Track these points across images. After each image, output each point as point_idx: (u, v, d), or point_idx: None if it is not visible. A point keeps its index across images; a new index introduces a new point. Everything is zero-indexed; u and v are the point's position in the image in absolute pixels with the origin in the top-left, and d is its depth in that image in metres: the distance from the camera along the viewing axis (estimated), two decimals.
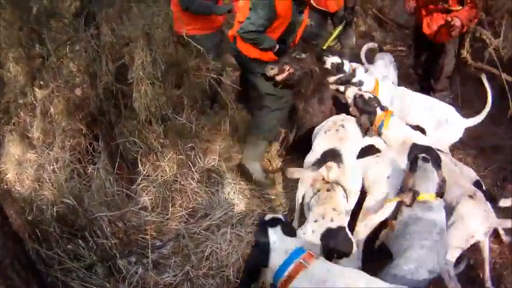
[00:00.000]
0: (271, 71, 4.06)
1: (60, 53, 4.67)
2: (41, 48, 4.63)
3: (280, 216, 2.70)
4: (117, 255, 3.50)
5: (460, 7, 4.66)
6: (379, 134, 3.97)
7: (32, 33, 4.65)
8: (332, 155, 3.44)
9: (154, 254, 3.59)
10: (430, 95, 4.89)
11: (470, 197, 3.33)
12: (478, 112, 4.24)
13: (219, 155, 4.64)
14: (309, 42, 4.41)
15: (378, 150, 3.95)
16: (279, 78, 4.09)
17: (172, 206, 4.04)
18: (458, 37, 4.88)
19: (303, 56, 4.21)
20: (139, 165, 4.25)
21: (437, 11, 4.81)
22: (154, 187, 4.13)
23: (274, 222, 2.58)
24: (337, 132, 3.71)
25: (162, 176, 4.20)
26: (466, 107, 4.74)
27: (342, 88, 4.41)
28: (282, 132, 4.77)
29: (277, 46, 4.12)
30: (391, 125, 3.94)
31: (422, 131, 4.23)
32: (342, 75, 4.60)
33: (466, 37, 4.92)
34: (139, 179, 4.18)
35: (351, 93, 4.15)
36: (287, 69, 4.09)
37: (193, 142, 4.57)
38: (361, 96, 4.08)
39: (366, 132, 3.94)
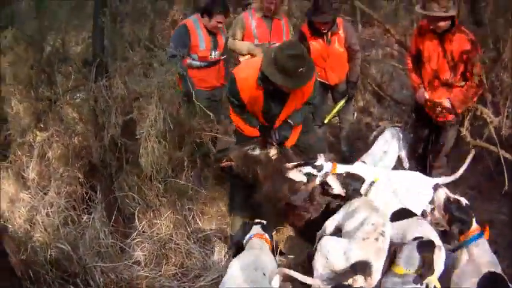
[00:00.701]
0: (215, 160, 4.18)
1: (67, 99, 4.72)
2: (48, 91, 4.68)
3: None
4: None
5: (464, 83, 4.71)
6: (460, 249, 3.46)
7: (42, 74, 4.71)
8: (363, 268, 3.12)
9: None
10: (427, 172, 4.93)
11: None
12: (472, 188, 4.38)
13: (216, 218, 4.64)
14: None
15: None
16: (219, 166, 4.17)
17: (165, 264, 3.97)
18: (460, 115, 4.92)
19: (255, 152, 4.05)
20: (136, 221, 4.23)
21: (440, 87, 4.83)
22: (148, 243, 4.08)
23: None
24: (375, 242, 3.28)
25: (157, 234, 4.17)
26: (462, 183, 4.84)
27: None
28: None
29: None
30: (482, 244, 3.43)
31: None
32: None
33: (466, 115, 4.93)
34: (135, 234, 4.13)
35: (441, 195, 3.68)
36: (225, 162, 4.05)
37: (191, 203, 4.56)
38: (457, 201, 3.58)
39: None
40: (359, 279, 3.07)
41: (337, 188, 3.86)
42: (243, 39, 5.38)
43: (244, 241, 3.53)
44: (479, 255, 3.35)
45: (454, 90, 4.75)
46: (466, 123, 4.92)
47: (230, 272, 3.11)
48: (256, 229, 3.60)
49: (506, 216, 5.01)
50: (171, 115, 4.42)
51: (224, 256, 4.15)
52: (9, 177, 4.50)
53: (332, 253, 3.24)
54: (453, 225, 3.47)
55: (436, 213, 3.69)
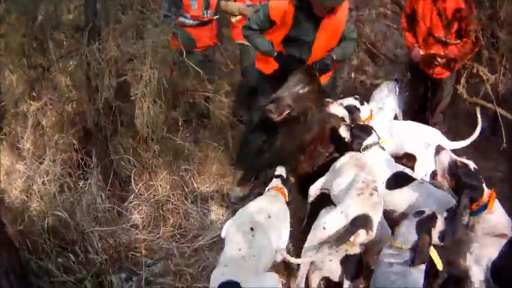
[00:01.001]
0: (271, 114, 3.70)
1: (60, 66, 4.67)
2: (41, 59, 4.63)
3: None
4: (108, 271, 3.44)
5: (459, 41, 4.73)
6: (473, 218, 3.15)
7: (35, 42, 4.65)
8: (363, 222, 3.07)
9: (145, 272, 3.52)
10: None
11: None
12: (469, 146, 4.35)
13: (213, 177, 4.66)
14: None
15: None
16: (276, 120, 3.76)
17: (163, 225, 4.00)
18: (456, 72, 4.96)
19: (306, 89, 3.78)
20: (133, 183, 4.22)
21: (435, 44, 4.85)
22: (146, 206, 4.11)
23: None
24: (371, 197, 3.23)
25: (154, 196, 4.19)
26: (457, 140, 4.84)
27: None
28: None
29: (275, 53, 3.95)
30: (497, 208, 3.14)
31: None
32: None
33: (462, 73, 4.96)
34: (132, 197, 4.15)
35: (445, 158, 3.36)
36: (286, 112, 3.70)
37: (187, 163, 4.58)
38: (465, 165, 3.27)
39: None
40: (361, 234, 3.02)
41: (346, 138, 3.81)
42: (234, 0, 5.28)
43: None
44: (498, 223, 3.10)
45: (449, 48, 4.76)
46: (462, 80, 4.92)
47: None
48: (275, 182, 3.60)
49: (504, 173, 5.07)
50: (165, 75, 4.40)
51: (222, 215, 4.19)
52: (5, 149, 4.52)
53: (329, 221, 3.18)
54: (463, 192, 3.10)
55: (439, 177, 3.36)
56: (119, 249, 3.68)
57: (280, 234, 3.21)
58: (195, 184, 4.47)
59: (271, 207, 3.26)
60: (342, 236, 3.02)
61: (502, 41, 4.72)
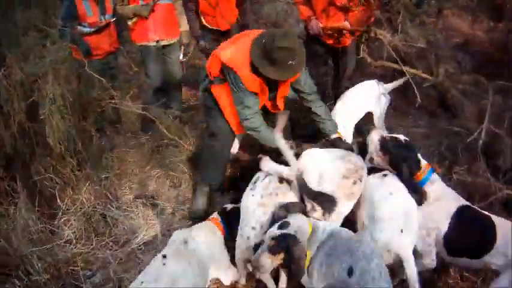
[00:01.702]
0: None
1: None
2: None
3: None
4: None
5: (359, 7, 4.99)
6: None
7: None
8: (328, 204, 3.22)
9: (87, 285, 3.82)
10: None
11: None
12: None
13: (133, 182, 4.98)
14: None
15: None
16: None
17: (95, 236, 4.28)
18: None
19: None
20: (58, 200, 4.46)
21: (337, 13, 5.03)
22: (75, 220, 4.35)
23: None
24: (352, 186, 3.33)
25: (81, 208, 4.45)
26: None
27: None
28: None
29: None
30: (437, 180, 3.42)
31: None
32: None
33: (361, 38, 5.20)
34: (60, 214, 4.39)
35: (375, 136, 3.60)
36: None
37: (106, 172, 4.88)
38: (394, 139, 3.50)
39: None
40: (318, 211, 3.23)
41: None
42: (129, 3, 5.47)
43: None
44: (440, 193, 3.37)
45: (350, 14, 5.01)
46: (362, 45, 5.26)
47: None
48: (214, 214, 3.73)
49: (424, 128, 5.70)
50: (70, 90, 4.62)
51: (149, 217, 4.51)
52: None
53: (308, 172, 3.38)
54: (400, 166, 3.36)
55: (375, 158, 3.56)
56: (59, 267, 3.91)
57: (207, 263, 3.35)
58: (117, 190, 4.78)
59: (199, 236, 3.41)
60: (306, 193, 3.31)
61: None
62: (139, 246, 4.23)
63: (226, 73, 3.83)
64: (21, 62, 4.51)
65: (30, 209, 4.28)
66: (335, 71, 5.54)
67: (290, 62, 3.63)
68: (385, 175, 3.46)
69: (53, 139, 4.47)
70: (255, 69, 3.70)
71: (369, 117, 4.77)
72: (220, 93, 4.03)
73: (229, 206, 3.79)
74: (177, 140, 5.24)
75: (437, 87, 5.68)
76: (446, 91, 5.53)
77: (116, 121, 5.62)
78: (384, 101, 4.90)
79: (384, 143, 3.51)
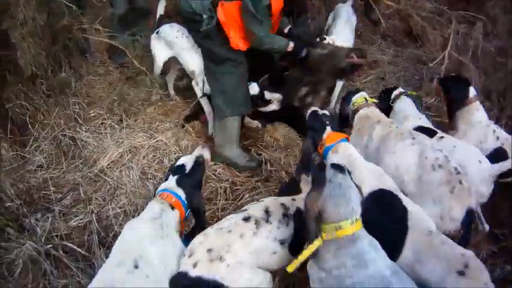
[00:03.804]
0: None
1: None
2: None
3: None
4: (25, 214, 3.89)
5: None
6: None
7: None
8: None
9: (58, 207, 4.01)
10: None
11: (461, 273, 2.45)
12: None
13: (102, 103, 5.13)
14: None
15: None
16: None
17: (65, 160, 4.46)
18: None
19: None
20: (30, 127, 4.60)
21: None
22: (46, 145, 4.52)
23: None
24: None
25: (51, 133, 4.61)
26: None
27: None
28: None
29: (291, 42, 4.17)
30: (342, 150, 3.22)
31: None
32: None
33: None
34: (31, 140, 4.55)
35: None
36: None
37: (75, 97, 5.00)
38: (314, 112, 3.60)
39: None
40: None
41: None
42: None
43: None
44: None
45: None
46: None
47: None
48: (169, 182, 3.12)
49: (389, 56, 5.85)
50: (41, 15, 4.63)
51: (118, 137, 4.68)
52: None
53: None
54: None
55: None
56: (31, 192, 4.11)
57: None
58: (88, 113, 4.93)
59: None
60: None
61: None
62: (108, 165, 4.40)
63: None
64: None
65: (3, 137, 4.43)
66: None
67: None
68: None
69: (25, 62, 4.52)
70: None
71: None
72: (233, 10, 3.96)
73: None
74: (146, 70, 5.34)
75: (401, 14, 5.85)
76: (409, 18, 5.72)
77: (85, 49, 5.63)
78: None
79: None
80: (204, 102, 4.71)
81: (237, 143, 4.46)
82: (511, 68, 4.66)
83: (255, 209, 2.91)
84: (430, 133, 3.68)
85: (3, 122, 4.52)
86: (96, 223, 3.83)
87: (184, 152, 4.51)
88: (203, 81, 4.51)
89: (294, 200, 3.02)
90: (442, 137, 3.67)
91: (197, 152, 3.32)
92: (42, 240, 3.63)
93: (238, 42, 4.06)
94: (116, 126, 4.81)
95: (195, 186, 3.13)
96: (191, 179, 3.13)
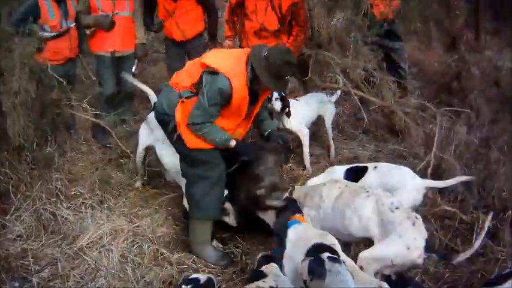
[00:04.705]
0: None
1: None
2: None
3: None
4: (3, 280, 3.88)
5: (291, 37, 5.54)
6: None
7: None
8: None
9: (35, 278, 3.98)
10: None
11: None
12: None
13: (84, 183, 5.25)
14: None
15: None
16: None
17: (45, 234, 4.48)
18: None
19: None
20: (12, 196, 4.66)
21: (270, 36, 5.50)
22: (26, 216, 4.55)
23: None
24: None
25: (33, 205, 4.65)
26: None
27: None
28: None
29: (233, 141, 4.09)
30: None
31: None
32: None
33: (308, 61, 5.58)
34: (13, 209, 4.59)
35: None
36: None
37: (59, 173, 5.12)
38: None
39: None
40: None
41: None
42: (90, 13, 5.70)
43: None
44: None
45: (283, 39, 5.49)
46: (311, 67, 5.61)
47: None
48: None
49: (370, 151, 6.16)
50: (32, 87, 4.86)
51: (99, 217, 4.74)
52: None
53: None
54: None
55: None
56: (9, 260, 4.10)
57: None
58: (69, 191, 5.04)
59: None
60: None
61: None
62: (88, 244, 4.43)
63: (208, 79, 3.84)
64: None
65: None
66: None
67: (287, 76, 4.06)
68: None
69: (13, 131, 4.68)
70: (251, 81, 3.86)
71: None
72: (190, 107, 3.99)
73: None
74: (130, 154, 5.52)
75: (385, 111, 6.16)
76: (392, 115, 5.88)
77: (71, 125, 5.83)
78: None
79: None
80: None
81: (207, 243, 4.42)
82: (492, 158, 5.01)
83: None
84: (362, 170, 4.43)
85: None
86: None
87: (161, 241, 4.65)
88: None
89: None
90: (375, 167, 4.44)
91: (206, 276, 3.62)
92: None
93: (195, 141, 4.05)
94: (97, 207, 4.88)
95: None
96: None
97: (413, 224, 3.50)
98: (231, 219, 4.56)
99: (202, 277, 3.51)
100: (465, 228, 4.52)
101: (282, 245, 3.64)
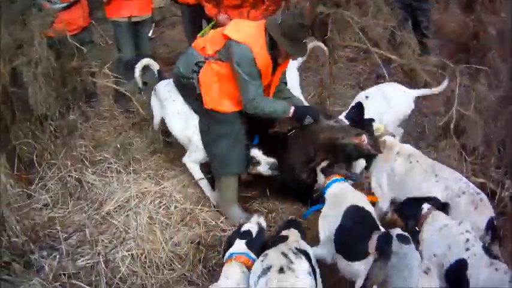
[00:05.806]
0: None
1: None
2: None
3: None
4: (31, 250, 3.87)
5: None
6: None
7: None
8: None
9: (64, 246, 3.96)
10: None
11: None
12: None
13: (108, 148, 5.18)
14: None
15: None
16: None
17: (71, 200, 4.46)
18: None
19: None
20: (36, 165, 4.62)
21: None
22: (52, 184, 4.53)
23: None
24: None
25: (57, 173, 4.61)
26: None
27: None
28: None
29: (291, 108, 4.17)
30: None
31: None
32: None
33: (327, 20, 5.50)
34: (37, 178, 4.57)
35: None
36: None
37: (82, 139, 5.07)
38: None
39: None
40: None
41: None
42: None
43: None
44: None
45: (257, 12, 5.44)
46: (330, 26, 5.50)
47: None
48: (238, 244, 3.30)
49: None
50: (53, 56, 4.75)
51: (125, 181, 4.66)
52: None
53: None
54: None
55: None
56: (36, 230, 4.10)
57: None
58: (94, 156, 4.98)
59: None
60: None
61: None
62: (115, 208, 4.38)
63: (234, 52, 3.95)
64: (10, 27, 4.61)
65: (9, 173, 4.42)
66: None
67: (305, 39, 4.08)
68: None
69: (35, 101, 4.58)
70: (271, 47, 3.98)
71: None
72: (219, 69, 4.13)
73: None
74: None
75: (405, 68, 6.00)
76: (412, 73, 5.79)
77: (92, 93, 5.76)
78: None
79: None
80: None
81: (234, 201, 4.46)
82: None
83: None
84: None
85: (10, 158, 4.55)
86: (103, 265, 3.81)
87: (188, 201, 4.56)
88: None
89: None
90: (366, 96, 4.96)
91: (255, 219, 3.53)
92: (50, 278, 3.60)
93: (216, 103, 4.18)
94: (122, 171, 4.82)
95: (262, 249, 3.24)
96: (259, 243, 3.33)
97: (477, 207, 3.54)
98: (263, 168, 4.46)
99: (253, 228, 3.43)
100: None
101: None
